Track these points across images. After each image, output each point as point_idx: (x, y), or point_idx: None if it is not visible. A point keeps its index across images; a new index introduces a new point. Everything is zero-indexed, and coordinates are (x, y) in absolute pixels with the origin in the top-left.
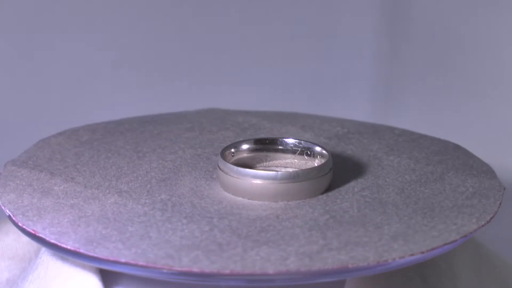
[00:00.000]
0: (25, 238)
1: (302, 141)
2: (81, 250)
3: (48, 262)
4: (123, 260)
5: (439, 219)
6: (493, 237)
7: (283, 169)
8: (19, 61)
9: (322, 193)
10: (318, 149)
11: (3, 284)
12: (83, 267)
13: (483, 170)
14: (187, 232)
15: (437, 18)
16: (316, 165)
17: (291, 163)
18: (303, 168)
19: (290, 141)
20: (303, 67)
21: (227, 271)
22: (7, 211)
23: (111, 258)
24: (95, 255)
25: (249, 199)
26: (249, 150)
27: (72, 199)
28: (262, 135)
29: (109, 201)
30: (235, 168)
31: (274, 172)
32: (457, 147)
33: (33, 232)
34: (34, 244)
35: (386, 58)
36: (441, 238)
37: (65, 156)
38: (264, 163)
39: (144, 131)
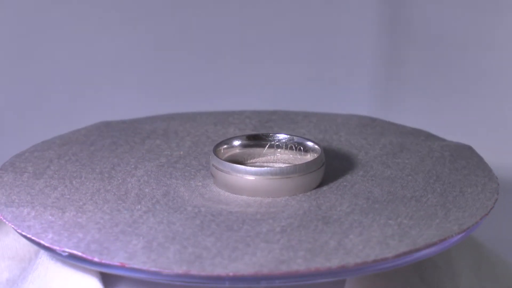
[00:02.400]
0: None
1: (294, 137)
2: (192, 272)
3: (48, 263)
4: (246, 273)
5: (459, 185)
6: (493, 237)
7: (277, 165)
8: None
9: (322, 183)
10: (310, 143)
11: (3, 284)
12: (83, 268)
13: (426, 135)
14: (263, 236)
15: (437, 18)
16: (312, 158)
17: (282, 158)
18: (308, 161)
19: (283, 136)
20: (303, 67)
21: (352, 264)
22: (66, 249)
23: (224, 274)
24: (207, 273)
25: (265, 197)
26: (241, 146)
27: (111, 227)
28: (188, 138)
29: (150, 222)
30: (251, 169)
31: (292, 165)
32: (371, 120)
33: (120, 265)
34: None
35: (386, 58)
36: (483, 201)
37: (40, 191)
38: (253, 160)
39: (75, 153)
